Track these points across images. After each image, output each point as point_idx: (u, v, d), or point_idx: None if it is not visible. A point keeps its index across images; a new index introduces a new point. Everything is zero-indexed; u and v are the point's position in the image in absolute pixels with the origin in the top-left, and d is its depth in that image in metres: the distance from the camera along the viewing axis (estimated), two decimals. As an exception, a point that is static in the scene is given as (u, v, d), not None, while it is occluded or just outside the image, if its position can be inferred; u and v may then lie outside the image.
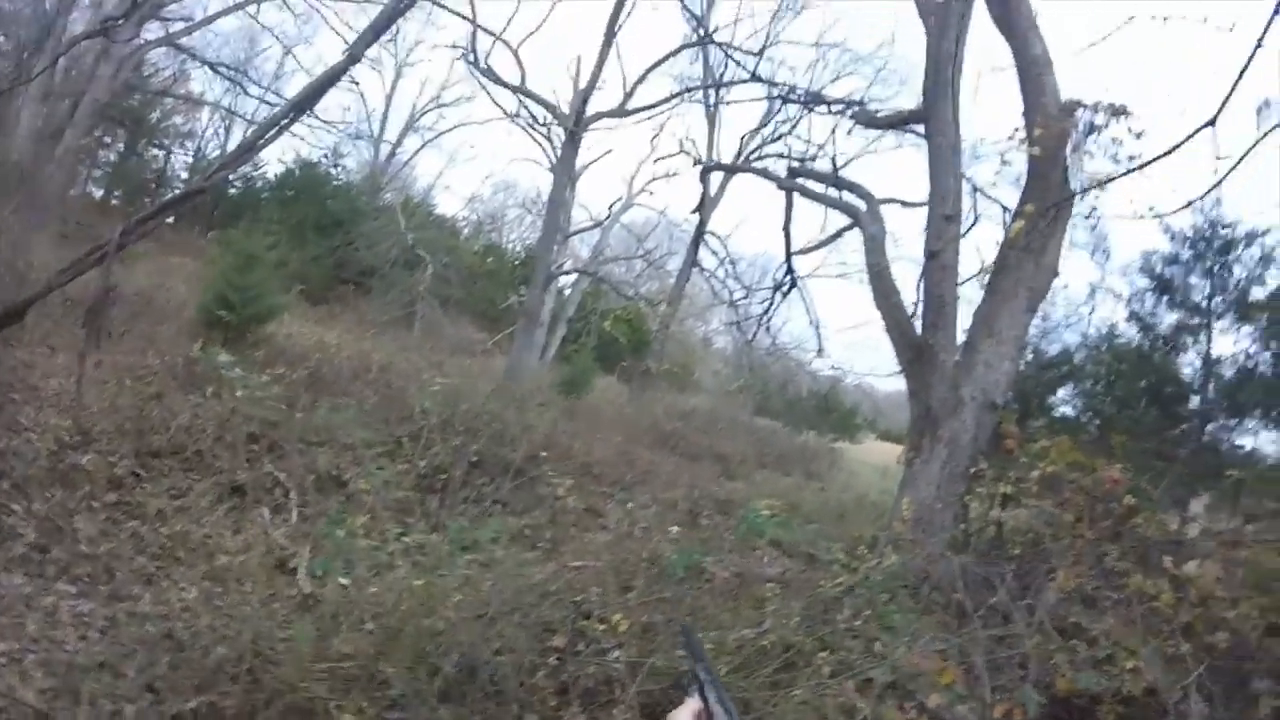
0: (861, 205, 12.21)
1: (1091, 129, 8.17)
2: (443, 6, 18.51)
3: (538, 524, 7.44)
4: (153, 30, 20.98)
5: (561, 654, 4.40)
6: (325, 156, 26.95)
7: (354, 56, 12.90)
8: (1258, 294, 10.85)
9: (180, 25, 21.68)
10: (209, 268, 11.26)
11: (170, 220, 25.05)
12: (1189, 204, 5.00)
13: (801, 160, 17.72)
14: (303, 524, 6.03)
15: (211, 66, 24.35)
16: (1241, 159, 4.50)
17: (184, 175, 28.00)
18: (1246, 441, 10.86)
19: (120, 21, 15.03)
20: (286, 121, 12.03)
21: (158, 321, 10.48)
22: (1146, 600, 4.79)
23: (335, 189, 25.85)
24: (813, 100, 17.47)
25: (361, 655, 3.75)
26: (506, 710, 3.82)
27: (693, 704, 1.22)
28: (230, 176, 25.79)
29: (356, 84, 24.32)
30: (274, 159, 29.11)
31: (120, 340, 9.17)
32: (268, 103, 23.77)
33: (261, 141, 12.65)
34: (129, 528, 5.72)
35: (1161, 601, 4.66)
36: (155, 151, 28.32)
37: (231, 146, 24.04)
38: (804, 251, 18.54)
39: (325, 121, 24.23)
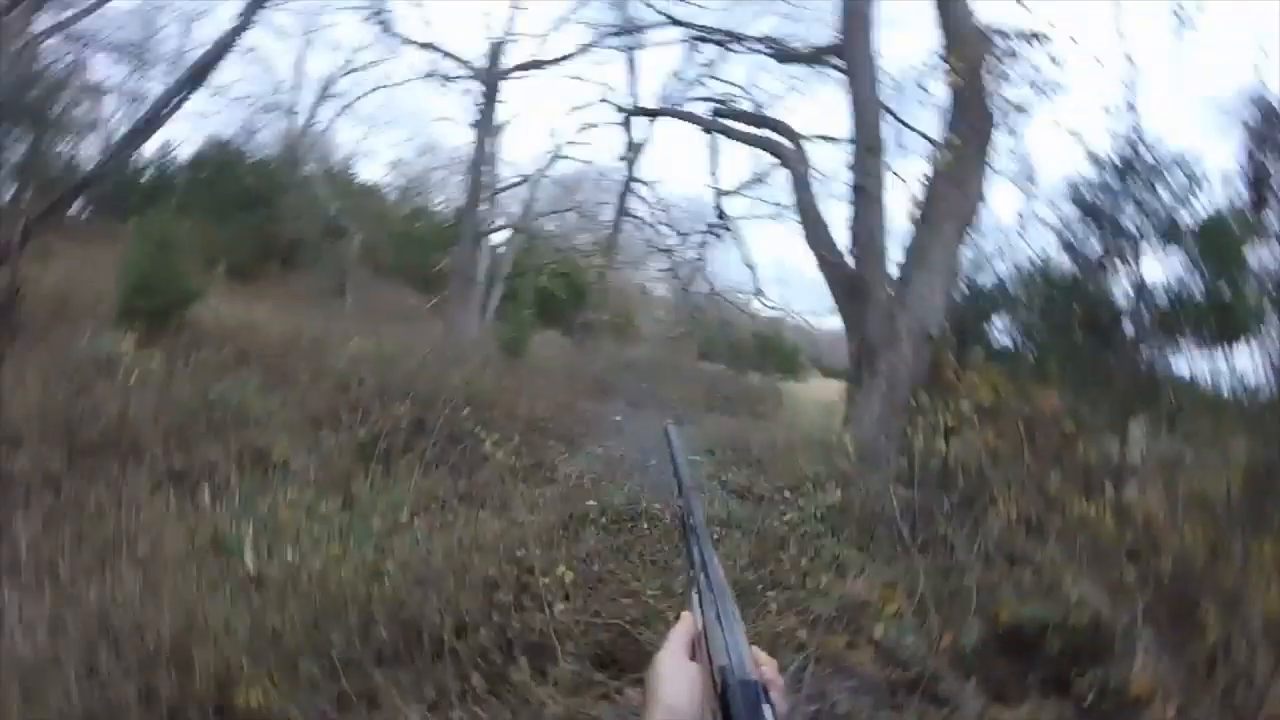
0: (786, 143, 12.21)
1: (1011, 55, 8.19)
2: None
3: (484, 483, 7.38)
4: (44, 20, 19.93)
5: (506, 610, 4.36)
6: (238, 134, 26.12)
7: (243, 25, 12.52)
8: (1184, 217, 11.07)
9: (73, 12, 20.61)
10: (125, 257, 10.84)
11: (85, 213, 24.18)
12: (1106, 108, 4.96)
13: (724, 102, 17.62)
14: (243, 505, 5.90)
15: (110, 50, 23.21)
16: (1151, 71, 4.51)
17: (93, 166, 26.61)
18: (1182, 365, 11.14)
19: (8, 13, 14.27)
20: (182, 96, 11.66)
21: (78, 317, 10.11)
22: (1090, 526, 4.84)
23: (251, 165, 25.14)
24: (730, 39, 17.29)
25: (296, 629, 3.68)
26: (449, 669, 3.77)
27: (685, 626, 0.91)
28: (139, 164, 24.97)
29: (253, 50, 23.37)
30: (188, 140, 28.06)
31: (41, 340, 8.83)
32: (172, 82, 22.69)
33: (158, 118, 12.24)
34: (69, 526, 5.56)
35: (1104, 527, 4.71)
36: (62, 146, 27.04)
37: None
38: (733, 192, 18.55)
39: (235, 98, 23.36)
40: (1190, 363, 11.08)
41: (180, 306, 10.24)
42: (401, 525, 4.92)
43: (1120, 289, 11.76)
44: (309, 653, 3.65)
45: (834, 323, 12.25)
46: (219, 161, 23.98)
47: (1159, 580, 4.48)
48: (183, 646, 3.59)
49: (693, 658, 0.86)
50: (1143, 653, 3.86)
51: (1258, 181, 11.59)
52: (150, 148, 24.48)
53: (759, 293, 20.84)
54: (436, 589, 4.29)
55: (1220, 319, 10.39)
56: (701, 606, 0.87)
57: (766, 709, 0.69)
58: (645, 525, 5.96)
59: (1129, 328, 11.47)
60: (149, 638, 3.71)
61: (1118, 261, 11.74)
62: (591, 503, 6.38)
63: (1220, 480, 5.17)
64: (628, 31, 21.37)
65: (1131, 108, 4.96)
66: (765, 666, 0.82)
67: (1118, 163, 11.34)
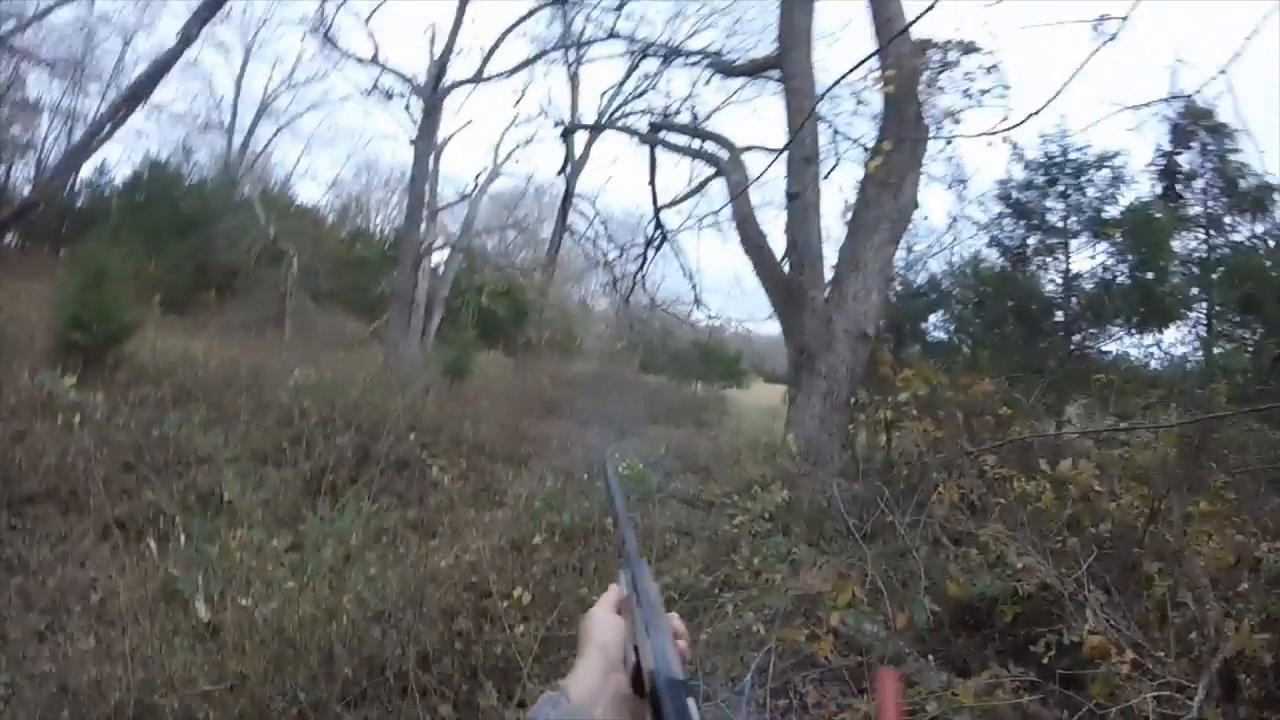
0: (724, 154, 12.36)
1: (944, 66, 8.39)
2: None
3: (434, 510, 7.35)
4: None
5: (466, 637, 4.37)
6: (175, 154, 25.56)
7: (187, 38, 12.35)
8: (1111, 212, 11.44)
9: (10, 25, 19.97)
10: (59, 290, 10.61)
11: (14, 243, 23.49)
12: (1027, 118, 5.18)
13: (664, 115, 17.76)
14: (191, 550, 5.80)
15: (47, 66, 22.52)
16: (1072, 76, 4.69)
17: (28, 190, 25.37)
18: (1111, 347, 11.50)
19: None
20: (121, 116, 11.44)
21: (11, 355, 9.84)
22: (1030, 502, 4.97)
23: (188, 188, 24.68)
24: (672, 54, 17.48)
25: (256, 674, 3.65)
26: (417, 702, 3.77)
27: (614, 592, 1.11)
28: (75, 187, 24.35)
29: (194, 64, 22.90)
30: (123, 160, 27.30)
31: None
32: (109, 99, 21.83)
33: (96, 140, 11.99)
34: (14, 584, 5.45)
35: (1044, 502, 4.85)
36: (-5, 172, 25.79)
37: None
38: (671, 205, 18.65)
39: (173, 115, 22.85)
40: (1120, 345, 11.48)
41: (118, 341, 10.06)
42: (353, 560, 4.88)
43: (1050, 280, 12.14)
44: (274, 698, 3.63)
45: (773, 328, 12.44)
46: (155, 184, 23.52)
47: (1101, 544, 4.62)
48: (145, 702, 3.55)
49: (618, 613, 1.06)
50: (1093, 612, 3.98)
51: (1171, 174, 12.06)
52: (85, 169, 23.96)
53: (699, 302, 20.97)
54: (395, 623, 4.29)
55: (1147, 303, 10.76)
56: (634, 621, 0.98)
57: (690, 702, 0.78)
58: (599, 541, 5.98)
59: (1059, 316, 11.82)
60: (109, 696, 3.66)
61: (1046, 256, 12.10)
62: (542, 523, 6.37)
63: (1154, 449, 5.35)
64: (571, 46, 21.46)
65: (1056, 112, 5.10)
66: (681, 641, 0.99)
67: (1044, 162, 11.73)
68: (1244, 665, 3.69)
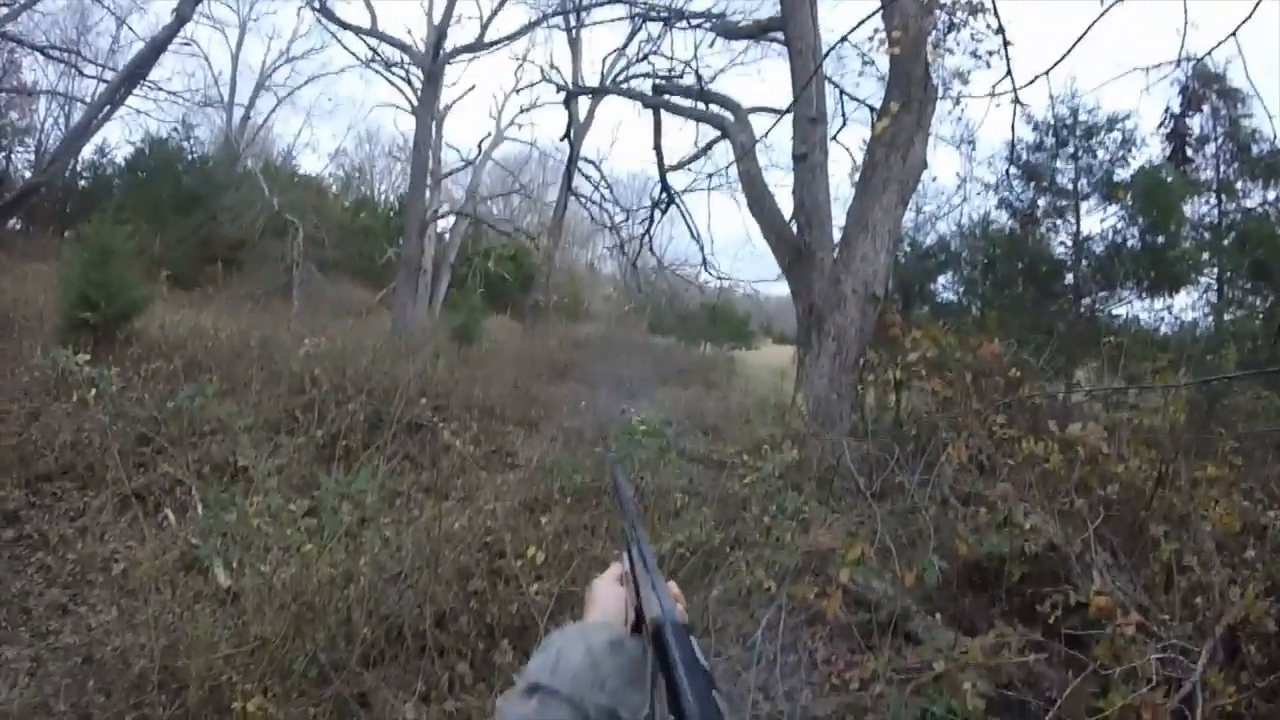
0: (729, 116, 12.28)
1: (951, 26, 8.31)
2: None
3: (446, 473, 7.40)
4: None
5: (482, 596, 4.44)
6: (175, 130, 25.41)
7: (182, 17, 12.30)
8: (1121, 175, 11.37)
9: (1, 12, 19.84)
10: (65, 270, 10.62)
11: (18, 226, 23.44)
12: (1035, 79, 5.18)
13: (667, 77, 17.62)
14: (209, 518, 5.87)
15: (41, 51, 22.35)
16: (1082, 36, 4.68)
17: (28, 175, 25.25)
18: (1121, 311, 11.48)
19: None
20: (119, 97, 11.43)
21: (21, 336, 9.88)
22: (1039, 463, 5.00)
23: (190, 164, 24.56)
24: (674, 16, 17.34)
25: (277, 636, 3.72)
26: (435, 661, 3.84)
27: (616, 567, 1.21)
28: (77, 168, 24.26)
29: (190, 43, 22.68)
30: (123, 141, 27.06)
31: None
32: (106, 81, 21.76)
33: (95, 122, 11.97)
34: (35, 560, 5.51)
35: (1052, 463, 4.87)
36: (-5, 157, 25.65)
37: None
38: (677, 167, 18.55)
39: (170, 93, 22.68)
40: (1130, 309, 11.47)
41: (127, 318, 10.09)
42: (369, 523, 4.95)
43: (1060, 243, 12.10)
44: (295, 659, 3.71)
45: (782, 289, 12.41)
46: (157, 161, 23.41)
47: (1108, 506, 4.65)
48: (169, 669, 3.63)
49: (620, 584, 1.17)
50: (1099, 573, 4.02)
51: (1181, 137, 11.99)
52: (86, 150, 23.85)
53: (707, 264, 20.89)
54: (411, 584, 4.36)
55: (1157, 267, 10.74)
56: (637, 580, 1.06)
57: (693, 640, 0.84)
58: (609, 502, 6.02)
59: (1069, 278, 11.80)
60: (133, 664, 3.74)
61: (1056, 218, 12.06)
62: (554, 484, 6.44)
63: (1162, 414, 5.36)
64: (572, 11, 21.29)
65: (1067, 74, 5.05)
66: (679, 604, 1.03)
67: (1053, 124, 11.64)
68: (1248, 631, 3.73)
